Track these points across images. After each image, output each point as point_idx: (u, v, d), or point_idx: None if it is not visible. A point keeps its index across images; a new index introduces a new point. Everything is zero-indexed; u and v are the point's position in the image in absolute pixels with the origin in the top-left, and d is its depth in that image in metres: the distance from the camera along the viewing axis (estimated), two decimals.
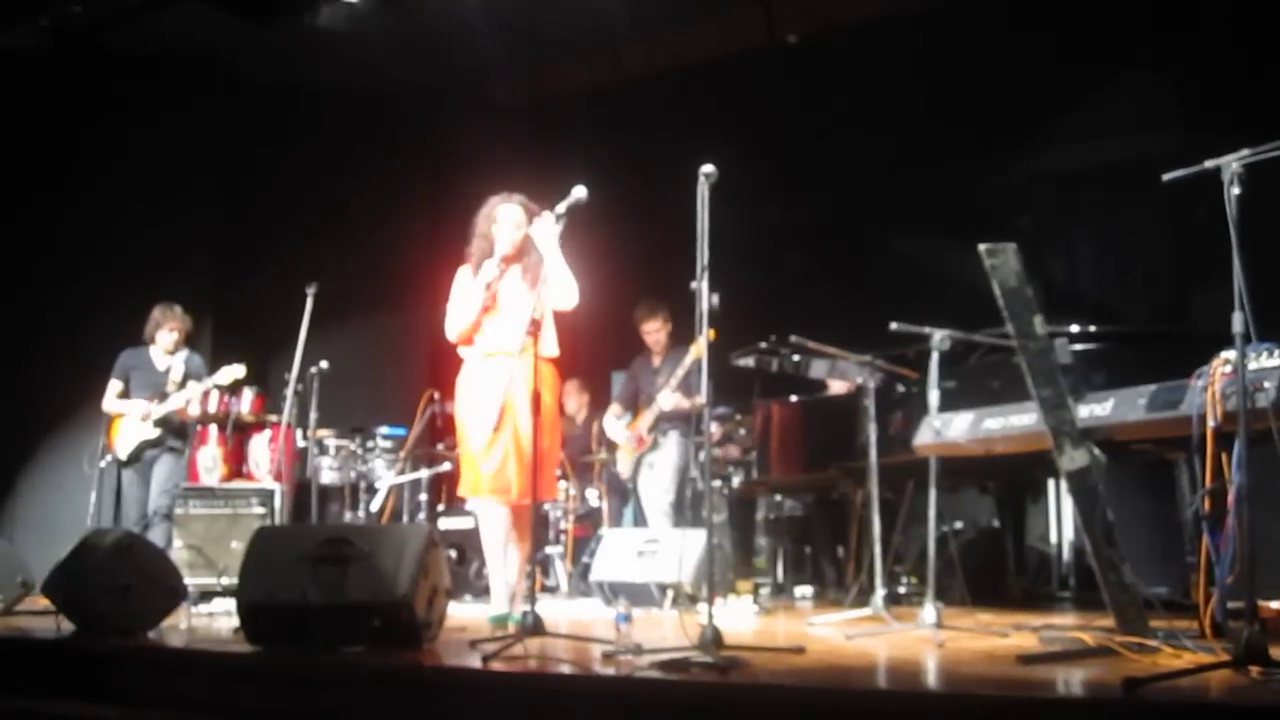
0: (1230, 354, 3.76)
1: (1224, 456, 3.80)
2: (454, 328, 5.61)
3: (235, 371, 7.46)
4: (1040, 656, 3.96)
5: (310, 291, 6.77)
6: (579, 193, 5.18)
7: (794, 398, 7.36)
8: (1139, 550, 5.17)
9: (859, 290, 8.51)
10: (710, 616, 3.96)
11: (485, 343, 5.56)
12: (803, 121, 9.12)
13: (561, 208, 5.23)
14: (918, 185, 9.04)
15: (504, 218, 5.58)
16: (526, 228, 5.52)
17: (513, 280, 5.59)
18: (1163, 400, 4.25)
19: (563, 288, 5.41)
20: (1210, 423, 3.91)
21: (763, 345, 6.76)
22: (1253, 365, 3.82)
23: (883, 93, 8.83)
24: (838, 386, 7.34)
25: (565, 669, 3.78)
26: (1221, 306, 3.55)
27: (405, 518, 8.29)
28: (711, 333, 6.99)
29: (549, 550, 7.82)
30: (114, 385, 7.58)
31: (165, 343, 7.59)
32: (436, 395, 8.46)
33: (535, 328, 5.02)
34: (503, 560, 5.58)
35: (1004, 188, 8.82)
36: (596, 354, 8.59)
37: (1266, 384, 3.79)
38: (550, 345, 5.53)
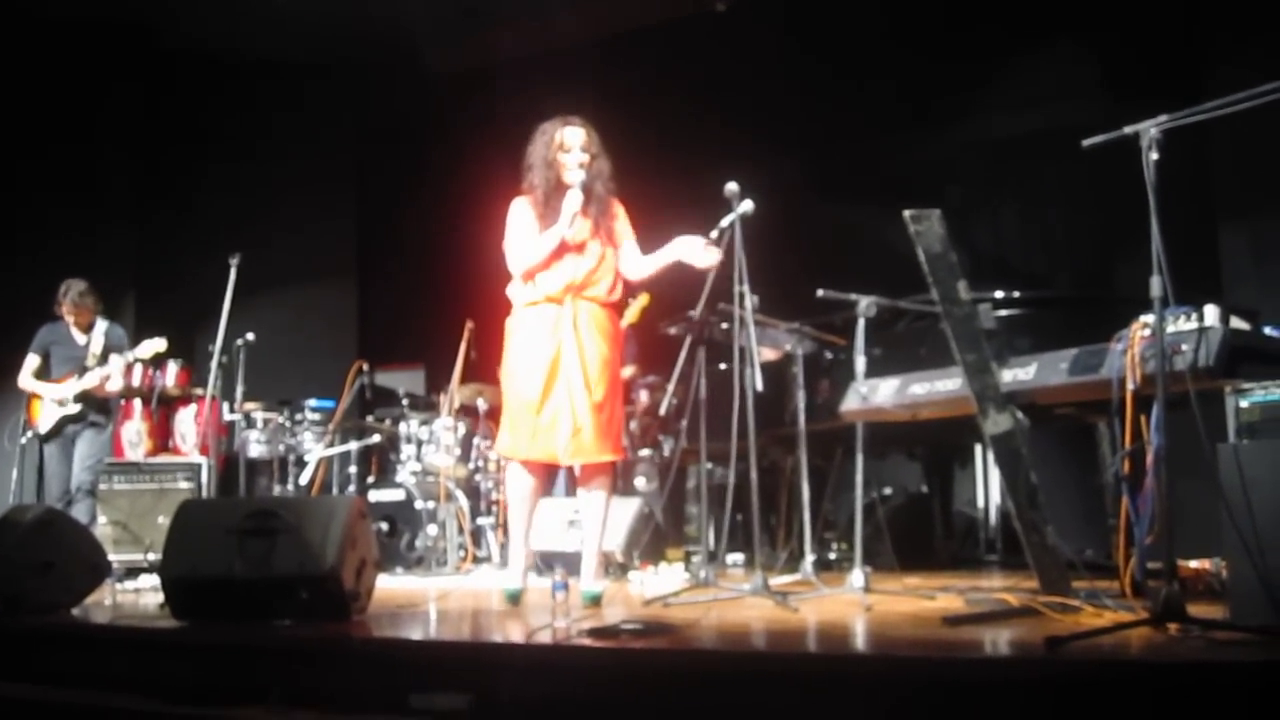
0: (1149, 318, 3.80)
1: (1143, 419, 3.85)
2: (521, 264, 4.91)
3: (156, 345, 7.35)
4: (965, 618, 4.01)
5: (234, 263, 6.67)
6: (745, 206, 4.91)
7: (723, 365, 7.36)
8: (1062, 512, 5.25)
9: (787, 257, 8.53)
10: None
11: (532, 288, 4.94)
12: (731, 89, 9.10)
13: (725, 222, 4.91)
14: (846, 153, 9.09)
15: (572, 142, 4.89)
16: (594, 151, 4.91)
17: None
18: (1084, 364, 4.31)
19: (643, 271, 5.02)
20: (1130, 385, 3.97)
21: (691, 313, 6.75)
22: (1171, 329, 3.88)
23: (811, 61, 8.86)
24: (766, 354, 7.34)
25: (496, 638, 3.77)
26: (1141, 271, 3.59)
27: (335, 490, 8.22)
28: (645, 298, 7.00)
29: (480, 521, 7.79)
30: (31, 360, 7.44)
31: (72, 322, 7.48)
32: (365, 366, 8.38)
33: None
34: (526, 532, 5.06)
35: (930, 156, 8.88)
36: None
37: (1184, 347, 3.85)
38: (608, 288, 4.99)
